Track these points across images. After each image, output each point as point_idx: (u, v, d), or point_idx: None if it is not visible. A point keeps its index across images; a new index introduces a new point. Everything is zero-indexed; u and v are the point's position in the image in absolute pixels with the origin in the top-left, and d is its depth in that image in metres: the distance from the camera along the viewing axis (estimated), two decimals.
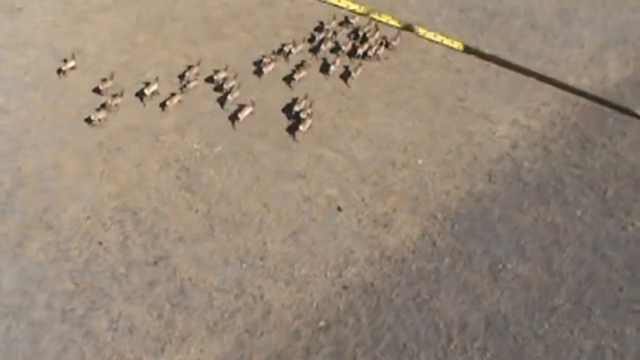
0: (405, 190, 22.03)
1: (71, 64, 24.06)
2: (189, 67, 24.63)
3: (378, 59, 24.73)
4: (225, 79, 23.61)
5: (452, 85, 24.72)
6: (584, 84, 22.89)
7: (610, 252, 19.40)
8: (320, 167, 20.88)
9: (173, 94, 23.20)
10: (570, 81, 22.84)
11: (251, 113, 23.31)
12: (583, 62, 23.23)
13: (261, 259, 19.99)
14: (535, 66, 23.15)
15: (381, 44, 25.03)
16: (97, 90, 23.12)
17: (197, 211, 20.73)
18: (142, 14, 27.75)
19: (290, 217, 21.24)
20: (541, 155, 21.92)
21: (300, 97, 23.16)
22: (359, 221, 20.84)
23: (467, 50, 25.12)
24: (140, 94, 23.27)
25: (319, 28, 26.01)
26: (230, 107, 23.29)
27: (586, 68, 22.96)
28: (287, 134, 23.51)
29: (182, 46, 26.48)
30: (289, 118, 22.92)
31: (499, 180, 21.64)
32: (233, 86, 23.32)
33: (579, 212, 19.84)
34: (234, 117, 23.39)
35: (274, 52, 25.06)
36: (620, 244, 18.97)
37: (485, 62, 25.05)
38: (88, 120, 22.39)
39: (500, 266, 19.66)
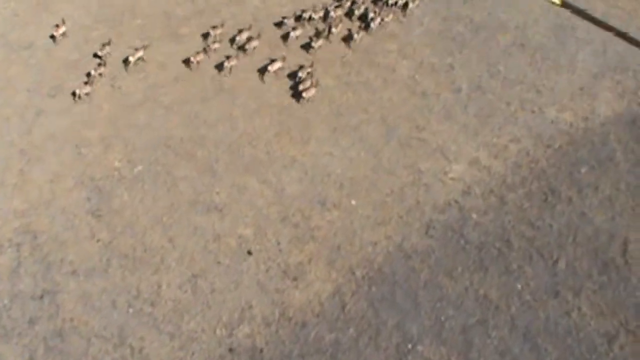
0: (329, 236, 19.26)
1: (62, 29, 23.68)
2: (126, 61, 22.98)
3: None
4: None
5: (413, 111, 21.59)
6: (564, 119, 19.45)
7: (544, 344, 16.24)
8: (241, 199, 18.36)
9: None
10: (550, 114, 19.44)
11: (280, 68, 22.42)
12: (571, 91, 19.79)
13: (151, 304, 17.64)
14: (513, 93, 19.65)
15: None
16: None
17: (98, 240, 18.50)
18: (104, 6, 26.37)
19: (194, 257, 18.77)
20: (494, 206, 18.75)
21: None
22: (268, 270, 18.20)
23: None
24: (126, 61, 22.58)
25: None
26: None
27: (573, 99, 19.54)
28: (215, 157, 21.10)
29: (135, 44, 24.15)
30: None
31: (437, 234, 18.59)
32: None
33: (519, 286, 16.76)
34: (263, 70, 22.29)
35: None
36: (559, 334, 15.83)
37: (458, 86, 22.03)
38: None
39: (409, 346, 16.70)
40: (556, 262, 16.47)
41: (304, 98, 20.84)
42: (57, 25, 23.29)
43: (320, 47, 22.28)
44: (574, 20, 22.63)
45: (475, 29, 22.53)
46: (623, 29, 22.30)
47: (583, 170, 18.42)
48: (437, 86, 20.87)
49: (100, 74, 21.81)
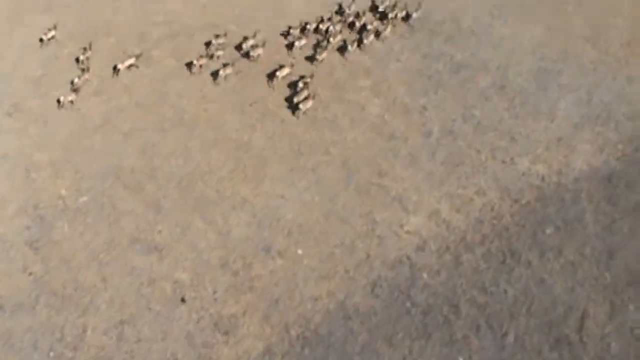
0: (268, 288, 18.06)
1: (51, 33, 23.39)
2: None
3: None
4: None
5: (378, 154, 20.39)
6: (537, 171, 18.15)
7: None
8: (183, 240, 17.40)
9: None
10: (522, 165, 18.12)
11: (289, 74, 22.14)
12: (547, 141, 18.56)
13: (74, 349, 16.62)
14: (486, 140, 18.37)
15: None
16: None
17: (30, 274, 17.64)
18: (79, 23, 25.63)
19: (126, 301, 17.72)
20: (448, 266, 17.49)
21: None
22: (199, 320, 17.11)
23: None
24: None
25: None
26: None
27: (548, 149, 18.27)
28: (163, 193, 20.10)
29: (102, 64, 23.52)
30: None
31: (383, 294, 17.38)
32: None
33: (461, 359, 15.44)
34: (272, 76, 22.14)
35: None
36: None
37: (428, 129, 20.80)
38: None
39: None
40: (505, 334, 15.16)
41: (300, 109, 20.47)
42: (49, 29, 23.12)
43: (324, 59, 22.33)
44: (560, 64, 21.25)
45: (455, 69, 21.23)
46: (610, 78, 20.58)
47: (548, 230, 17.07)
48: (407, 128, 19.64)
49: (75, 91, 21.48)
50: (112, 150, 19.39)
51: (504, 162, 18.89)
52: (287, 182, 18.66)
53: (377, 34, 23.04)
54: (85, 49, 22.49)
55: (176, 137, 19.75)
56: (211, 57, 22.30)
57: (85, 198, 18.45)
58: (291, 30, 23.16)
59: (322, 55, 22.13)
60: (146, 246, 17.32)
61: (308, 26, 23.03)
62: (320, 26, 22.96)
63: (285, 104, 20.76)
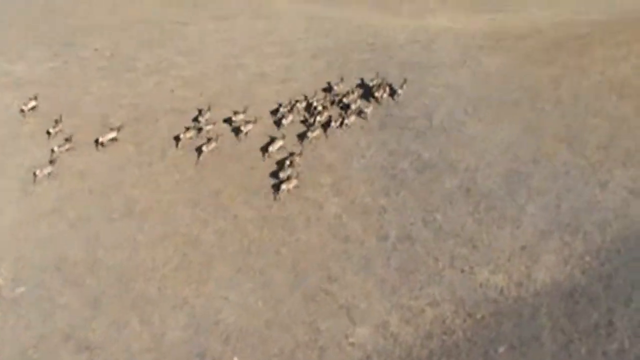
0: None
1: (32, 103, 23.37)
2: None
3: None
4: None
5: (330, 258, 19.48)
6: (495, 283, 17.05)
7: None
8: (117, 340, 16.78)
9: None
10: (481, 275, 17.06)
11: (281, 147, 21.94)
12: (510, 249, 17.49)
13: None
14: (445, 246, 17.35)
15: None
16: None
17: None
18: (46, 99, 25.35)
19: None
20: None
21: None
22: None
23: None
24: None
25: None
26: None
27: (510, 259, 17.21)
28: (103, 288, 19.32)
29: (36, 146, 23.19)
30: None
31: None
32: None
33: None
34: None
35: None
36: None
37: (386, 232, 19.91)
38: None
39: None
40: None
41: (283, 190, 20.09)
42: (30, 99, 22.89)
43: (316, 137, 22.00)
44: (532, 166, 20.27)
45: (421, 168, 20.42)
46: (583, 182, 19.54)
47: (501, 349, 15.92)
48: (364, 231, 18.72)
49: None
50: (57, 240, 18.78)
51: (462, 271, 17.83)
52: (233, 284, 17.79)
53: (360, 112, 22.74)
54: (56, 120, 22.57)
55: (124, 229, 19.06)
56: (199, 130, 22.14)
57: (22, 289, 17.81)
58: (280, 108, 22.86)
59: (313, 134, 21.97)
60: (77, 345, 16.63)
61: (298, 104, 22.98)
62: (314, 103, 23.03)
63: (243, 197, 19.72)
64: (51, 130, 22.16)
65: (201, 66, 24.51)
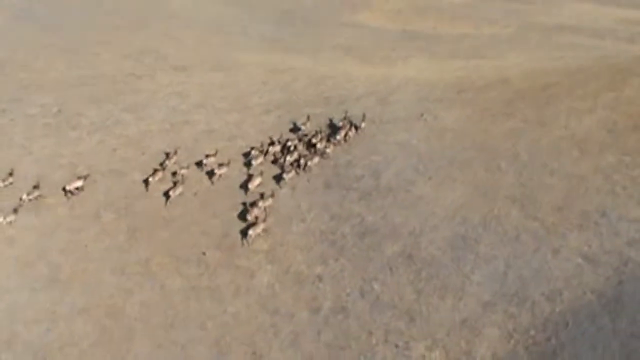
0: None
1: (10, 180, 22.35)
2: None
3: None
4: None
5: (257, 332, 18.37)
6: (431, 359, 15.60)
7: None
8: None
9: None
10: (417, 352, 15.87)
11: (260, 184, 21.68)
12: (450, 322, 16.28)
13: None
14: (381, 319, 16.18)
15: None
16: None
17: None
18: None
19: None
20: None
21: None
22: None
23: None
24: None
25: None
26: None
27: (450, 333, 16.03)
28: None
29: None
30: None
31: None
32: None
33: None
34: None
35: None
36: None
37: (319, 304, 18.92)
38: None
39: None
40: None
41: (250, 236, 19.72)
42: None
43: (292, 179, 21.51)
44: (480, 230, 18.95)
45: (363, 233, 19.21)
46: (533, 248, 18.21)
47: None
48: (295, 302, 17.53)
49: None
50: None
51: (397, 346, 16.58)
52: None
53: (323, 153, 22.40)
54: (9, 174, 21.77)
55: (45, 300, 18.14)
56: (174, 174, 21.83)
57: None
58: (252, 151, 22.61)
59: (289, 175, 21.70)
60: None
61: (271, 148, 22.85)
62: (289, 142, 22.89)
63: (173, 265, 18.59)
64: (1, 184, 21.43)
65: (147, 123, 23.60)
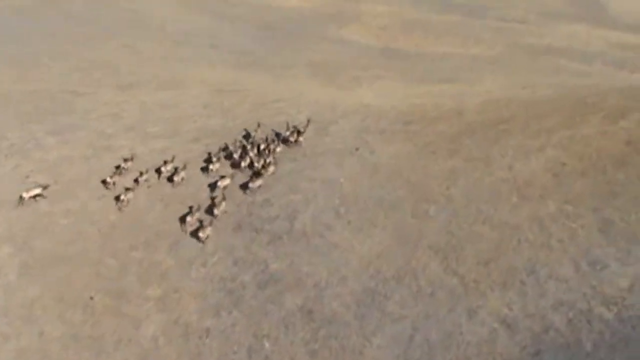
0: None
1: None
2: None
3: None
4: None
5: None
6: None
7: None
8: None
9: None
10: None
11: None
12: None
13: None
14: None
15: None
16: None
17: None
18: None
19: None
20: None
21: None
22: None
23: None
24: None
25: None
26: None
27: None
28: None
29: None
30: None
31: None
32: None
33: None
34: None
35: None
36: None
37: None
38: None
39: None
40: None
41: (200, 238, 19.17)
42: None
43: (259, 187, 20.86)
44: (393, 285, 17.25)
45: (264, 282, 17.63)
46: (448, 307, 16.37)
47: None
48: (178, 358, 15.80)
49: None
50: None
51: None
52: None
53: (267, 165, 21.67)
54: None
55: None
56: (136, 181, 21.27)
57: None
58: (213, 157, 21.86)
59: (256, 183, 21.08)
60: None
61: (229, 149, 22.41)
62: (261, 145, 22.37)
63: (58, 309, 17.14)
64: None
65: (70, 148, 22.21)
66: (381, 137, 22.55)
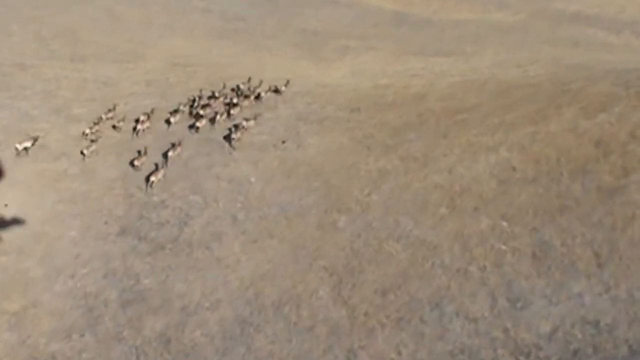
0: None
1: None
2: None
3: None
4: None
5: None
6: None
7: None
8: None
9: None
10: None
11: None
12: None
13: None
14: None
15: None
16: None
17: None
18: None
19: None
20: None
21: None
22: None
23: None
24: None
25: None
26: None
27: None
28: None
29: None
30: None
31: None
32: None
33: None
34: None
35: None
36: None
37: None
38: None
39: None
40: None
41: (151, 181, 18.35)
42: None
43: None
44: (269, 315, 15.01)
45: (129, 301, 16.18)
46: (324, 346, 13.81)
47: None
48: None
49: None
50: None
51: None
52: None
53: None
54: None
55: None
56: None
57: None
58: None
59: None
60: None
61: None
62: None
63: None
64: None
65: None
66: (318, 127, 19.54)
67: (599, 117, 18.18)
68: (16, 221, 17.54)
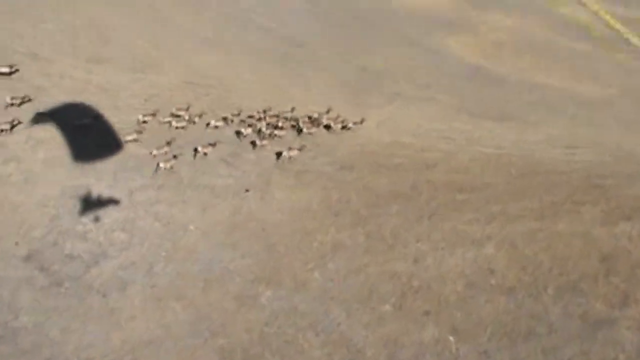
0: None
1: None
2: None
3: None
4: None
5: None
6: None
7: None
8: None
9: None
10: None
11: None
12: None
13: None
14: None
15: None
16: None
17: None
18: None
19: None
20: None
21: None
22: None
23: None
24: None
25: None
26: None
27: None
28: None
29: None
30: None
31: None
32: None
33: None
34: None
35: None
36: None
37: None
38: None
39: None
40: None
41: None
42: None
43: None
44: None
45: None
46: None
47: None
48: None
49: None
50: None
51: None
52: None
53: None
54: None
55: None
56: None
57: None
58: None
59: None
60: None
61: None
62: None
63: None
64: None
65: None
66: (293, 180, 16.84)
67: (620, 227, 14.24)
68: None
